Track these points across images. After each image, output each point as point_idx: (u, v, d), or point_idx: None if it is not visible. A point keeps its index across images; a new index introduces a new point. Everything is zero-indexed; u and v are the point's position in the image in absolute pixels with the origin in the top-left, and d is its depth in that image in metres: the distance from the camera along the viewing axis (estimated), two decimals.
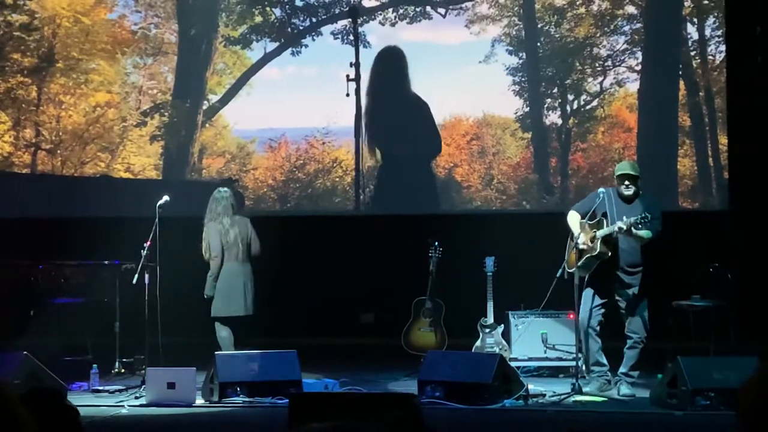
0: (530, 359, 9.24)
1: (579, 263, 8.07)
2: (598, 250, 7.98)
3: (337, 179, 11.71)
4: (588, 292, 8.15)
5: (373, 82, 11.24)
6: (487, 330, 9.23)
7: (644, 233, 7.88)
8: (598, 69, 11.42)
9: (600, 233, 7.97)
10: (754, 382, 2.14)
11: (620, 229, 7.83)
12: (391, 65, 11.35)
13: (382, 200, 11.37)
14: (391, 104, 11.42)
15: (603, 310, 8.13)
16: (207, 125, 11.75)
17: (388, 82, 11.40)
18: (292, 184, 11.76)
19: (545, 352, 9.24)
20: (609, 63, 11.38)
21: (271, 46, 11.66)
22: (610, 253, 8.00)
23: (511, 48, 11.41)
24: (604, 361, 8.15)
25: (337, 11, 11.61)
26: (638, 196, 8.12)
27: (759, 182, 10.54)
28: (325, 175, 11.72)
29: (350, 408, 5.79)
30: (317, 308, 10.70)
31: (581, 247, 8.06)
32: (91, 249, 9.51)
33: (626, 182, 8.06)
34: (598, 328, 8.12)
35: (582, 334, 8.15)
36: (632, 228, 7.81)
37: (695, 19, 11.17)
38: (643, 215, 7.74)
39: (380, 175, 11.38)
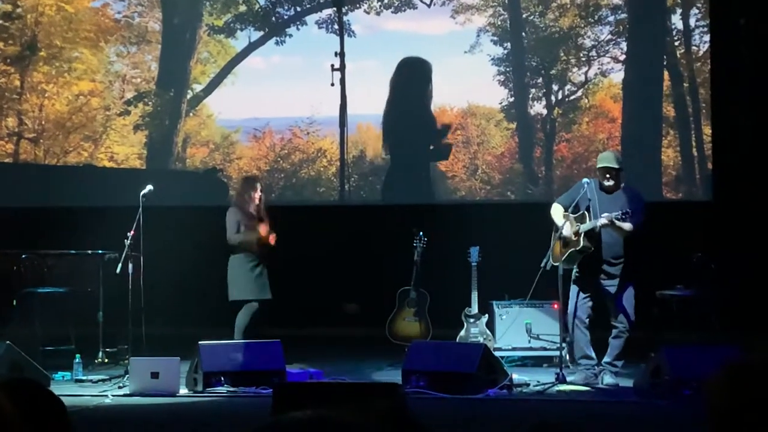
0: (514, 349, 9.26)
1: (563, 257, 8.09)
2: (581, 245, 8.00)
3: (322, 169, 11.69)
4: (574, 287, 8.17)
5: (401, 83, 11.27)
6: (472, 320, 9.24)
7: (626, 225, 7.91)
8: (583, 59, 11.43)
9: (583, 228, 8.00)
10: (719, 378, 2.14)
11: (602, 223, 7.86)
12: (422, 76, 11.37)
13: (390, 192, 11.42)
14: (411, 108, 11.46)
15: (590, 303, 8.15)
16: (191, 114, 11.70)
17: (416, 90, 11.44)
18: (277, 174, 11.73)
19: (529, 342, 9.26)
20: (593, 53, 11.39)
21: (256, 35, 11.61)
22: (593, 248, 8.03)
23: (495, 38, 11.40)
24: (593, 354, 8.16)
25: (321, 0, 11.57)
26: (620, 187, 8.14)
27: (742, 173, 10.58)
28: (310, 164, 11.70)
29: (334, 397, 5.79)
30: (301, 298, 10.68)
31: (565, 240, 8.08)
32: (75, 238, 9.46)
33: (607, 175, 8.08)
34: (586, 321, 8.13)
35: (570, 326, 8.17)
36: (614, 221, 7.84)
37: (679, 10, 11.18)
38: (624, 211, 7.77)
39: (389, 169, 11.44)
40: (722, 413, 2.06)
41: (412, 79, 11.39)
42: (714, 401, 2.07)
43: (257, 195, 8.96)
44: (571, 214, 8.12)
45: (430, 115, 11.40)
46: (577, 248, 8.01)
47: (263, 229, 8.82)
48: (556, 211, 8.24)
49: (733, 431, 2.03)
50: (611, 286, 8.10)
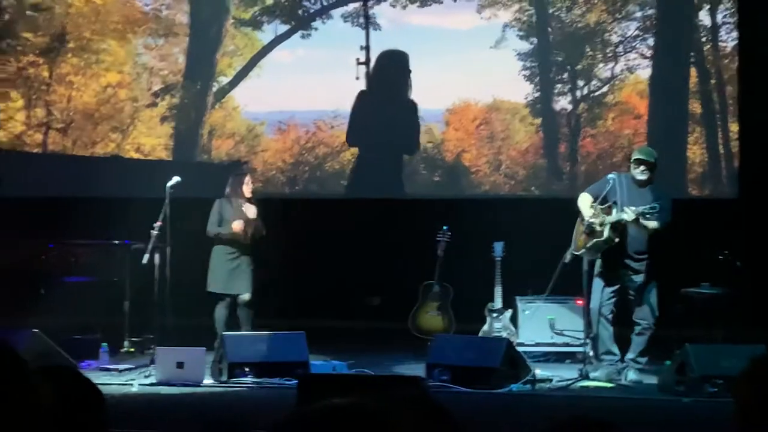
0: (537, 344, 9.25)
1: (587, 246, 8.07)
2: (606, 236, 7.97)
3: (346, 162, 11.71)
4: (598, 282, 8.15)
5: (371, 83, 11.27)
6: (495, 315, 9.25)
7: (652, 224, 7.87)
8: (609, 55, 11.39)
9: (609, 219, 7.97)
10: (748, 373, 2.15)
11: (629, 218, 7.82)
12: (393, 70, 11.34)
13: (356, 185, 11.43)
14: (383, 106, 11.44)
15: (614, 298, 8.13)
16: (217, 107, 11.74)
17: (387, 86, 11.42)
18: (301, 166, 11.76)
19: (552, 337, 9.26)
20: (620, 49, 11.35)
21: (282, 28, 11.63)
22: (617, 239, 8.00)
23: (521, 33, 11.38)
24: (616, 350, 8.14)
25: None
26: (651, 183, 8.10)
27: None
28: (334, 158, 11.72)
29: (358, 389, 5.82)
30: (325, 291, 10.72)
31: (590, 230, 8.05)
32: (102, 229, 9.53)
33: (642, 167, 8.04)
34: (610, 316, 8.12)
35: (593, 321, 8.15)
36: (640, 218, 7.80)
37: (707, 6, 11.12)
38: (651, 206, 7.72)
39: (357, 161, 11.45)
40: (750, 407, 2.07)
41: (387, 70, 11.36)
42: (742, 396, 2.08)
43: (246, 188, 8.96)
44: (597, 206, 8.10)
45: (406, 107, 11.35)
46: (602, 238, 7.98)
47: (236, 225, 8.82)
48: (584, 201, 8.21)
49: (761, 425, 2.04)
50: (635, 281, 8.08)
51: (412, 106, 11.34)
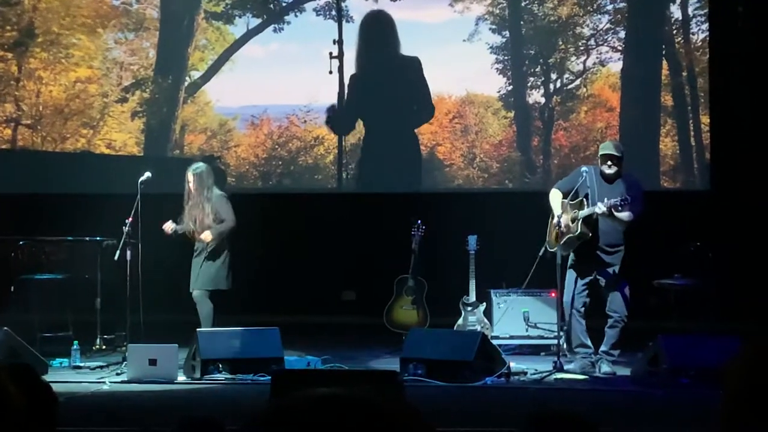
0: (512, 337, 9.27)
1: (560, 243, 8.10)
2: (579, 231, 8.00)
3: (319, 157, 11.68)
4: (571, 274, 8.17)
5: (360, 50, 11.21)
6: (469, 308, 9.25)
7: (625, 215, 7.88)
8: (581, 48, 11.42)
9: (581, 214, 7.99)
10: (737, 364, 2.12)
11: (601, 211, 7.84)
12: (379, 31, 11.29)
13: (366, 177, 11.36)
14: (379, 73, 11.37)
15: (587, 291, 8.15)
16: (189, 102, 11.67)
17: (377, 49, 11.36)
18: (274, 161, 11.72)
19: (527, 330, 9.28)
20: (592, 42, 11.38)
21: (254, 22, 11.57)
22: (590, 234, 8.02)
23: (494, 26, 11.39)
24: (589, 343, 8.17)
25: None
26: (620, 176, 8.12)
27: (740, 162, 10.59)
28: (307, 152, 11.68)
29: (333, 385, 5.80)
30: (299, 286, 10.70)
31: (562, 227, 8.08)
32: (72, 225, 9.45)
33: (609, 162, 8.06)
34: (582, 310, 8.14)
35: (566, 315, 8.18)
36: (612, 210, 7.82)
37: None
38: (623, 198, 7.74)
39: (363, 151, 11.37)
40: (740, 396, 2.04)
41: (375, 31, 11.33)
42: (732, 384, 2.05)
43: (189, 185, 8.73)
44: (568, 201, 8.12)
45: (408, 66, 11.28)
46: (575, 234, 8.01)
47: (166, 226, 8.71)
48: (555, 197, 8.23)
49: (750, 414, 2.01)
50: (607, 274, 8.11)
51: (415, 63, 11.22)
